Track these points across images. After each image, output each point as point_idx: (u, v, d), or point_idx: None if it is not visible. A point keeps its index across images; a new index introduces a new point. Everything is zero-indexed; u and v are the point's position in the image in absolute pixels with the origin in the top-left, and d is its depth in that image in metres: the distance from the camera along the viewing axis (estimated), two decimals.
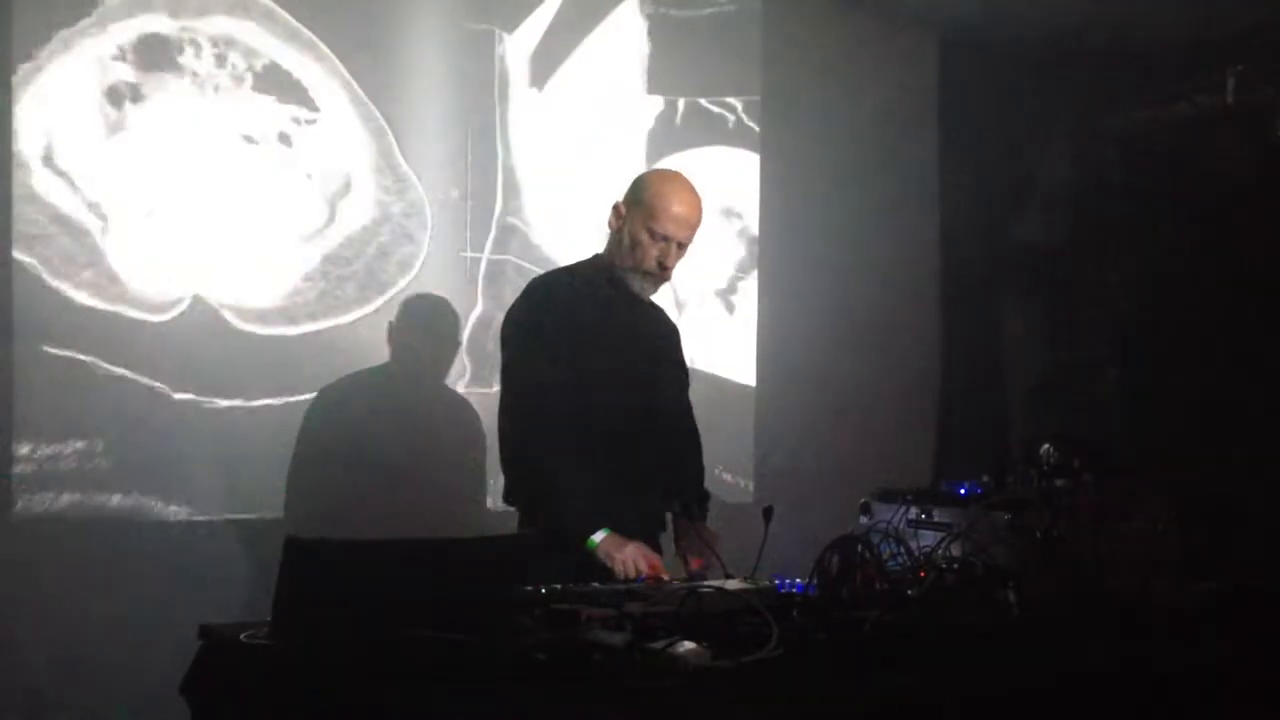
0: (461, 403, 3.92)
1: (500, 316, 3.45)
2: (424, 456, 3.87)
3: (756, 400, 4.91)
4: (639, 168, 4.17)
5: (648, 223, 3.07)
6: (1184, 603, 2.81)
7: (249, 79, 2.99)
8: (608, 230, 3.17)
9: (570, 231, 3.59)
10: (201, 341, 2.99)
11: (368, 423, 3.75)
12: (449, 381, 3.65)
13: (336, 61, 3.13)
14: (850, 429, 5.13)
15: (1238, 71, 5.40)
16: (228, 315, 3.04)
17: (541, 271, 3.41)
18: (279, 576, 2.13)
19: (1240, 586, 2.94)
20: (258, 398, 3.06)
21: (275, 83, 2.99)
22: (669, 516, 3.30)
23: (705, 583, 2.81)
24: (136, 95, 2.83)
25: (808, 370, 5.09)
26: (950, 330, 5.73)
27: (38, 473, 2.75)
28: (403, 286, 3.36)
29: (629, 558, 2.91)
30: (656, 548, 3.14)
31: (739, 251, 4.30)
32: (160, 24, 2.81)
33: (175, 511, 2.97)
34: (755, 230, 4.43)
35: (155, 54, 2.80)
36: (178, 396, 2.98)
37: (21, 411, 2.73)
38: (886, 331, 5.38)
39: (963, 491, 3.11)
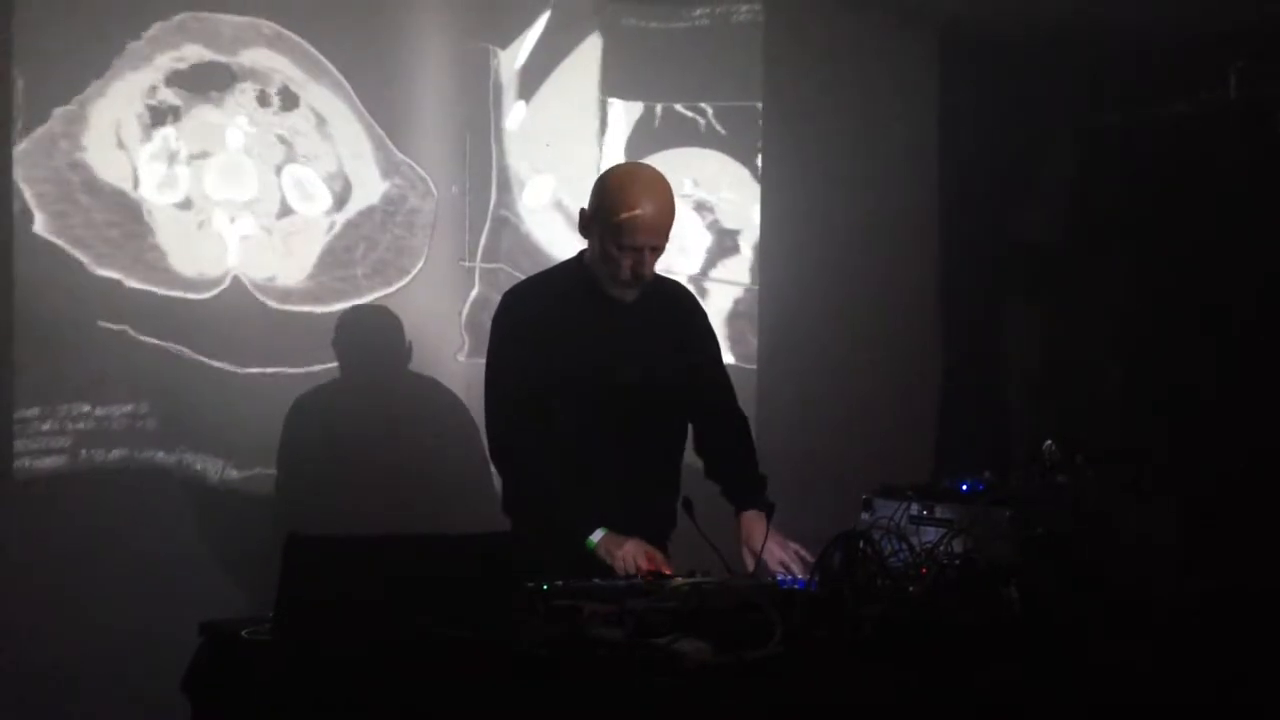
0: (457, 400, 3.96)
1: (494, 297, 3.65)
2: (422, 452, 3.91)
3: (758, 395, 4.92)
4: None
5: (615, 236, 2.94)
6: (1185, 600, 2.81)
7: (275, 97, 3.44)
8: (584, 236, 3.09)
9: (553, 222, 4.02)
10: (237, 318, 3.40)
11: (363, 419, 3.80)
12: (449, 354, 3.87)
13: (350, 80, 3.54)
14: (852, 426, 5.12)
15: (1239, 68, 5.39)
16: (260, 295, 3.44)
17: (527, 272, 3.64)
18: (281, 573, 2.13)
19: (1241, 584, 2.94)
20: (286, 366, 3.45)
21: (297, 99, 3.46)
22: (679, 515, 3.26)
23: (706, 579, 2.81)
24: (180, 110, 3.30)
25: (808, 368, 5.09)
26: (951, 327, 5.73)
27: (95, 430, 3.20)
28: (414, 273, 3.71)
29: (628, 554, 2.89)
30: (663, 548, 3.12)
31: (708, 241, 4.54)
32: (199, 53, 3.30)
33: (212, 464, 3.38)
34: (725, 223, 4.65)
35: (195, 76, 3.29)
36: (215, 365, 3.39)
37: (81, 377, 3.18)
38: (888, 328, 5.38)
39: (964, 488, 3.11)
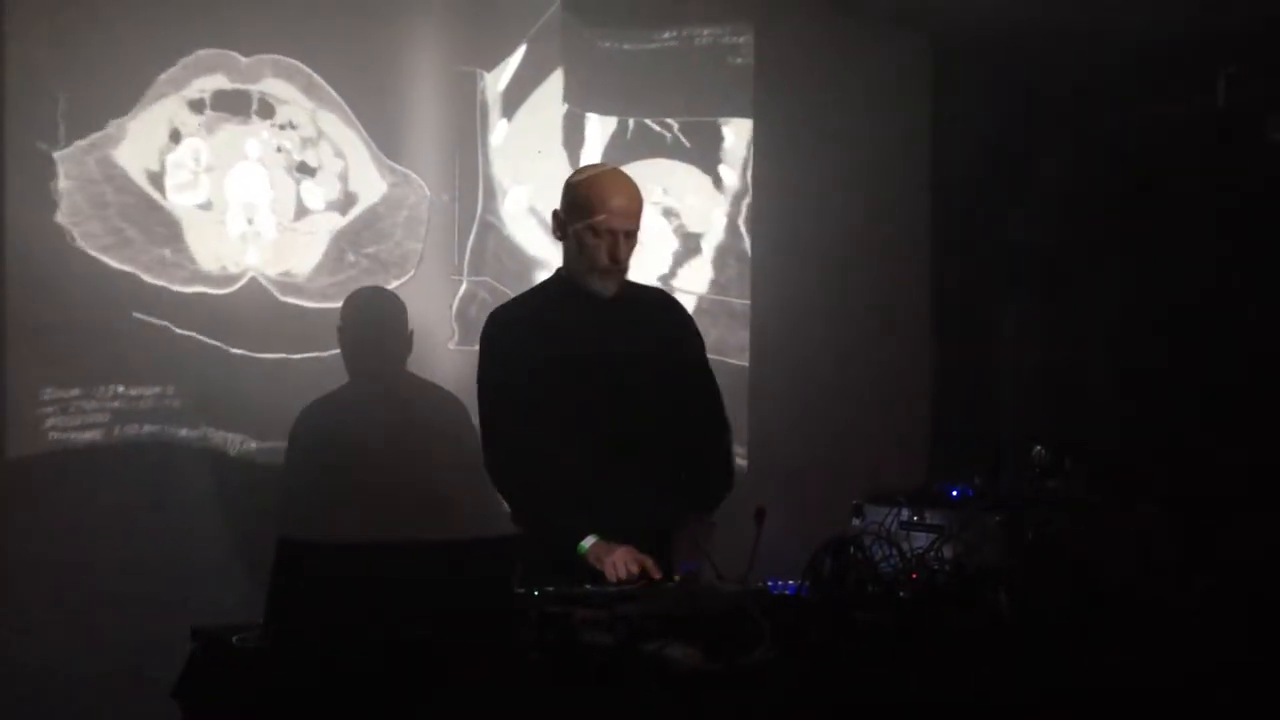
0: (453, 401, 4.06)
1: (480, 293, 4.20)
2: (415, 458, 4.02)
3: (750, 400, 4.95)
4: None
5: (588, 221, 3.01)
6: (1177, 602, 2.81)
7: (288, 118, 3.80)
8: (558, 241, 3.13)
9: (530, 226, 4.36)
10: (254, 310, 3.74)
11: (359, 425, 3.94)
12: (441, 342, 4.15)
13: (353, 104, 3.92)
14: (843, 431, 5.14)
15: (1229, 73, 5.41)
16: (274, 290, 3.79)
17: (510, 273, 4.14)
18: (271, 579, 2.13)
19: (1233, 586, 2.95)
20: (295, 352, 3.82)
21: (308, 120, 3.86)
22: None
23: (698, 584, 2.82)
24: (204, 128, 3.69)
25: (800, 373, 5.10)
26: (943, 331, 5.74)
27: (128, 409, 3.56)
28: (410, 271, 4.05)
29: (619, 560, 2.90)
30: (662, 550, 3.11)
31: (675, 244, 4.84)
32: (221, 82, 3.70)
33: (229, 439, 3.73)
34: (689, 227, 4.91)
35: (217, 100, 3.69)
36: (234, 352, 3.72)
37: (114, 362, 3.51)
38: (879, 333, 5.40)
39: (955, 493, 3.13)
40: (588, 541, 2.93)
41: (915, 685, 2.18)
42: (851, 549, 2.56)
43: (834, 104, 5.25)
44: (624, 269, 3.09)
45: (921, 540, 2.82)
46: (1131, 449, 5.26)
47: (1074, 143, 6.03)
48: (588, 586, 2.74)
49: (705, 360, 3.35)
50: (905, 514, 3.05)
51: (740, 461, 4.86)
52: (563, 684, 2.03)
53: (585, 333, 3.08)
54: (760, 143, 5.04)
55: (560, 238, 3.12)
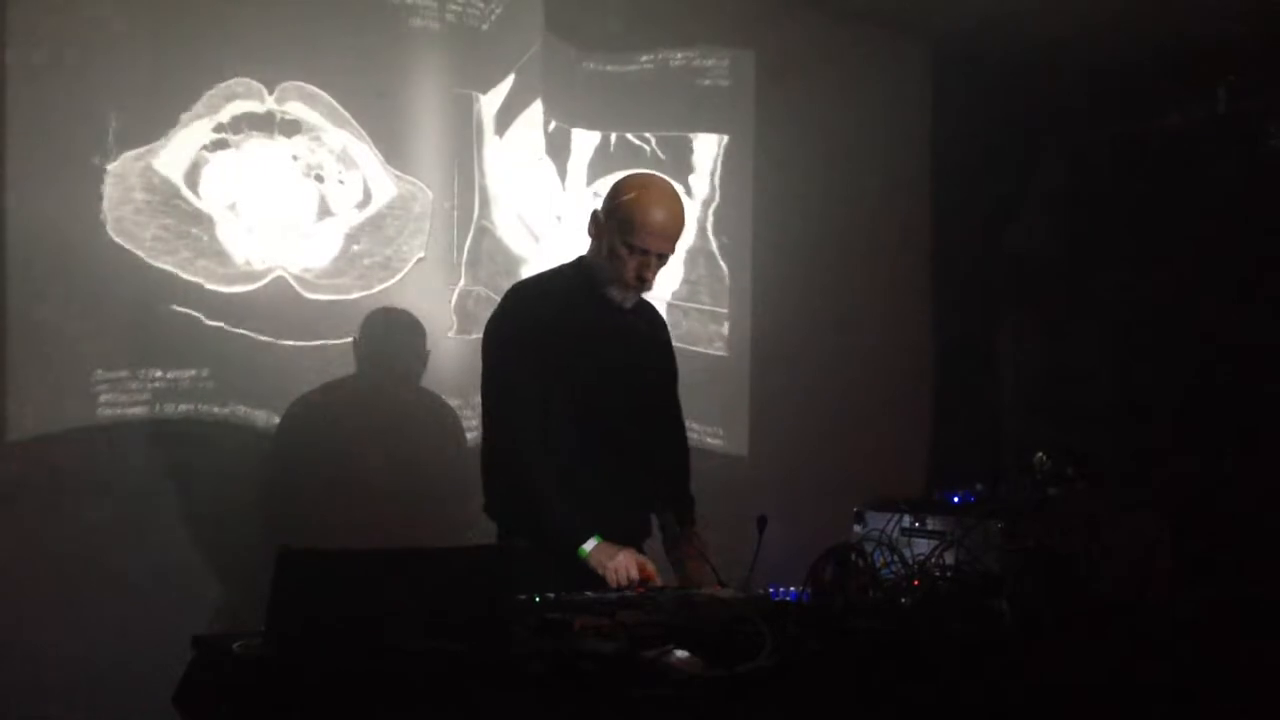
0: (445, 407, 4.26)
1: (476, 290, 4.49)
2: (410, 463, 4.19)
3: (751, 407, 4.95)
4: (579, 183, 4.77)
5: (625, 237, 3.01)
6: (1177, 610, 2.81)
7: (307, 134, 4.23)
8: (588, 237, 3.15)
9: (518, 232, 4.70)
10: (278, 302, 4.15)
11: (352, 431, 4.17)
12: (441, 332, 4.41)
13: (365, 123, 4.33)
14: (844, 438, 5.14)
15: (1229, 82, 5.42)
16: (295, 285, 4.19)
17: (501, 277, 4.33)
18: (272, 587, 2.12)
19: (1232, 594, 2.95)
20: (315, 339, 4.22)
21: (326, 136, 4.28)
22: (655, 524, 3.28)
23: (699, 591, 2.82)
24: (235, 144, 4.10)
25: (801, 380, 5.11)
26: (944, 339, 5.74)
27: (167, 389, 4.00)
28: (414, 267, 4.42)
29: (621, 565, 2.89)
30: (641, 552, 3.12)
31: None
32: (248, 106, 4.13)
33: (256, 414, 4.13)
34: None
35: (246, 120, 4.12)
36: (260, 339, 4.12)
37: (157, 348, 3.95)
38: (881, 340, 5.40)
39: (956, 500, 3.13)
40: (589, 545, 2.92)
41: (916, 693, 2.17)
42: (853, 556, 2.56)
43: (834, 112, 5.27)
44: (648, 288, 3.11)
45: (923, 547, 2.83)
46: (1132, 456, 5.25)
47: (1074, 151, 6.03)
48: (588, 594, 2.73)
49: (676, 376, 3.40)
50: (906, 521, 3.05)
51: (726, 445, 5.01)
52: (563, 691, 2.02)
53: (595, 333, 3.10)
54: (760, 151, 5.07)
55: (593, 237, 3.12)
